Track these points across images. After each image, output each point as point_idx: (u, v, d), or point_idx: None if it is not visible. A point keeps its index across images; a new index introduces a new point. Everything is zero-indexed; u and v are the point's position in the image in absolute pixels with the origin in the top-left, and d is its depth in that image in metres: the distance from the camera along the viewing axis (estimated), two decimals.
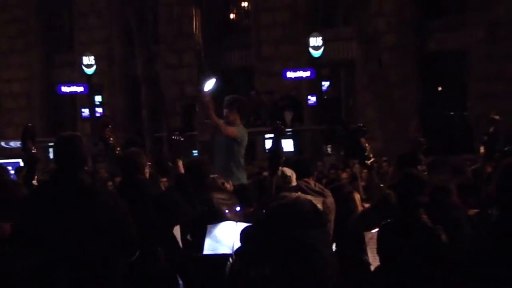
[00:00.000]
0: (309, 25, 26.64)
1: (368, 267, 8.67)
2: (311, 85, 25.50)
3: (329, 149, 24.25)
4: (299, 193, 8.55)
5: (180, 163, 9.17)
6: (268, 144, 19.98)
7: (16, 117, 29.97)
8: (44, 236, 7.13)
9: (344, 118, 25.78)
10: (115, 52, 30.03)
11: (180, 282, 8.85)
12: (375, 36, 24.35)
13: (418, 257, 7.81)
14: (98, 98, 26.48)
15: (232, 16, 29.74)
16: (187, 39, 27.49)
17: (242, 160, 11.45)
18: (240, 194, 9.97)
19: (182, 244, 8.88)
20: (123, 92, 29.81)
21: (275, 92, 25.45)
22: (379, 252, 8.21)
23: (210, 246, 8.85)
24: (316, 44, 24.55)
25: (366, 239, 8.80)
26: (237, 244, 8.67)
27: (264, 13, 28.14)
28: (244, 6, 29.46)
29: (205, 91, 12.06)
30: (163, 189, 10.57)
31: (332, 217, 8.72)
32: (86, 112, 26.90)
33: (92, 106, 26.34)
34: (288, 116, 23.97)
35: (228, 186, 9.90)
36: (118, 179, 13.50)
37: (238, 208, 9.39)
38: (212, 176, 9.93)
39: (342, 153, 22.46)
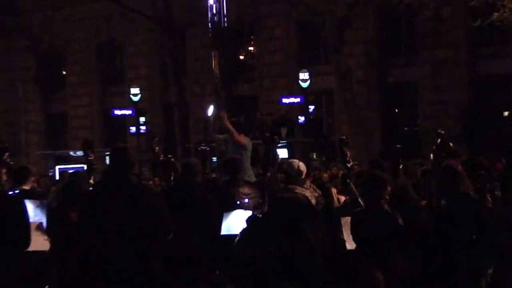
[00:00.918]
0: (299, 63, 26.61)
1: (343, 243, 8.65)
2: (301, 108, 25.43)
3: (314, 156, 24.09)
4: (305, 186, 8.45)
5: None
6: None
7: (81, 133, 29.97)
8: (102, 221, 7.14)
9: (325, 133, 25.70)
10: (155, 84, 30.02)
11: None
12: (348, 72, 24.31)
13: (380, 235, 7.82)
14: (142, 119, 26.36)
15: (241, 57, 29.70)
16: (208, 74, 27.48)
17: (248, 163, 11.37)
18: None
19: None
20: (161, 114, 29.78)
21: (274, 114, 25.39)
22: (352, 232, 8.21)
23: (226, 228, 8.81)
24: (304, 78, 24.48)
25: (342, 222, 8.78)
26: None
27: (265, 55, 28.12)
28: (250, 50, 29.41)
29: (209, 114, 12.01)
30: None
31: (320, 207, 8.70)
32: (133, 129, 26.82)
33: (137, 125, 26.27)
34: (283, 131, 23.87)
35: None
36: (157, 179, 13.50)
37: (246, 200, 9.32)
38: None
39: (324, 158, 22.34)
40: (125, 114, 28.14)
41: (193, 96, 28.93)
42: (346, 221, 8.52)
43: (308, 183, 8.72)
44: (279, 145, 13.54)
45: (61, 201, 8.76)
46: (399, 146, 10.66)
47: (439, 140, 11.37)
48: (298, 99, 25.08)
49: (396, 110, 27.02)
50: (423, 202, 8.97)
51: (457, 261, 7.40)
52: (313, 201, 8.35)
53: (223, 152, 12.74)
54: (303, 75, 24.56)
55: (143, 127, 26.10)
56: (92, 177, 9.25)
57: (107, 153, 18.57)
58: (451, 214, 7.57)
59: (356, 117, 24.50)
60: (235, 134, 11.30)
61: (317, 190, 8.77)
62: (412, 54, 25.24)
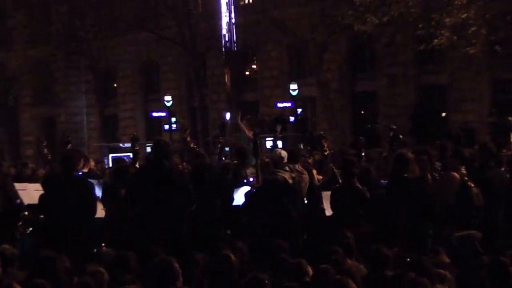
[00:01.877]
0: (290, 76, 26.63)
1: (323, 211, 8.63)
2: (291, 111, 25.37)
3: (301, 146, 23.97)
4: (286, 169, 8.39)
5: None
6: (268, 144, 19.89)
7: (128, 130, 30.00)
8: (143, 195, 7.14)
9: (309, 129, 25.67)
10: (182, 93, 30.02)
11: None
12: (327, 83, 24.51)
13: (353, 207, 7.81)
14: (173, 119, 26.38)
15: (247, 73, 29.74)
16: (222, 86, 27.51)
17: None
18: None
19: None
20: (187, 115, 29.69)
21: (272, 115, 25.37)
22: (331, 203, 8.20)
23: (236, 200, 8.83)
24: (294, 88, 24.40)
25: (323, 195, 8.75)
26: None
27: (264, 71, 28.16)
28: (253, 67, 29.47)
29: (227, 118, 11.99)
30: None
31: (305, 185, 8.61)
32: (166, 127, 26.88)
33: (169, 123, 26.31)
34: (278, 128, 23.75)
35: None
36: (185, 163, 13.39)
37: (251, 179, 9.33)
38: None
39: (308, 148, 22.28)
40: (160, 116, 28.28)
41: (211, 102, 29.04)
42: (326, 194, 8.50)
43: (290, 166, 8.46)
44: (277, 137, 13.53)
45: (113, 180, 8.79)
46: (361, 138, 10.64)
47: (391, 134, 11.36)
48: (289, 104, 25.09)
49: (362, 112, 27.12)
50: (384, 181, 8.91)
51: (400, 225, 7.41)
52: (290, 181, 8.25)
53: (235, 144, 12.75)
54: (293, 86, 24.57)
55: (173, 125, 26.28)
56: (137, 162, 9.27)
57: (148, 144, 18.59)
58: (397, 191, 7.53)
59: (332, 117, 24.73)
60: (246, 131, 11.46)
61: (304, 172, 8.72)
62: (374, 70, 25.53)
